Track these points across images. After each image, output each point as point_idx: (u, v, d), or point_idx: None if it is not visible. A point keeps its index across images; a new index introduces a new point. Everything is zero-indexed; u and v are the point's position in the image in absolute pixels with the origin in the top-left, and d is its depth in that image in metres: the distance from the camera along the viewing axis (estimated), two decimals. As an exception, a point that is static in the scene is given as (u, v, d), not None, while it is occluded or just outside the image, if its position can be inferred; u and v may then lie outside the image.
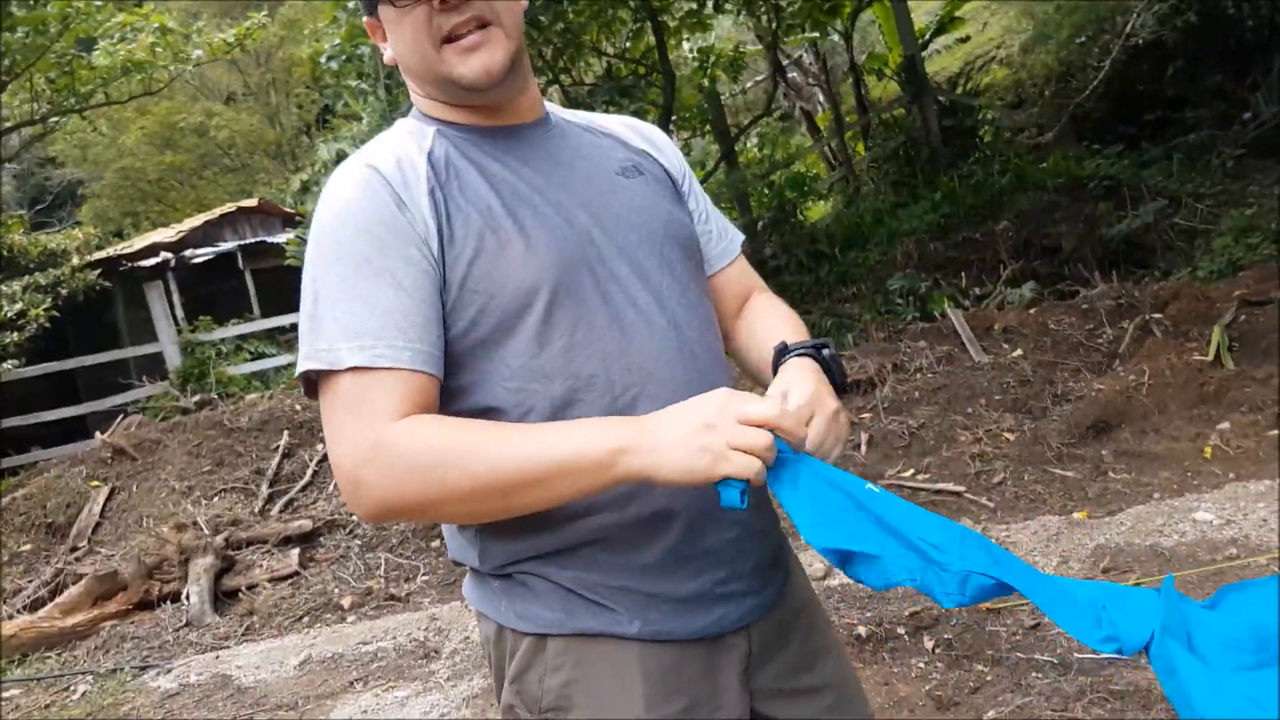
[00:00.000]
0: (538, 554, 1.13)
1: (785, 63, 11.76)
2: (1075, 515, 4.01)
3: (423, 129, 1.20)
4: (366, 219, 1.09)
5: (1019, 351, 5.68)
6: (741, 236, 1.46)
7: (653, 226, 1.24)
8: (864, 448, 5.11)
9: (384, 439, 1.03)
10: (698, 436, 0.98)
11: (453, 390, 1.14)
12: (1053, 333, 5.81)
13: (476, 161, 1.17)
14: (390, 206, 1.09)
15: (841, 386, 1.19)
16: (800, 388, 1.12)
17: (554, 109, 1.33)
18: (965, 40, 14.05)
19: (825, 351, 1.21)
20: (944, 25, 11.45)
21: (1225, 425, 4.46)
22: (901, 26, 9.71)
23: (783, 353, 1.23)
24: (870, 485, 1.06)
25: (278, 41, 20.35)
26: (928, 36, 11.49)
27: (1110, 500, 4.11)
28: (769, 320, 1.37)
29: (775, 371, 1.21)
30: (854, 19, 10.56)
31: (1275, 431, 4.29)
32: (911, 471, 4.76)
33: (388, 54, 1.22)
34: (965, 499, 4.39)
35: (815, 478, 1.03)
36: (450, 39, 1.12)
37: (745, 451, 0.97)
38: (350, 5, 7.15)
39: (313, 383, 1.11)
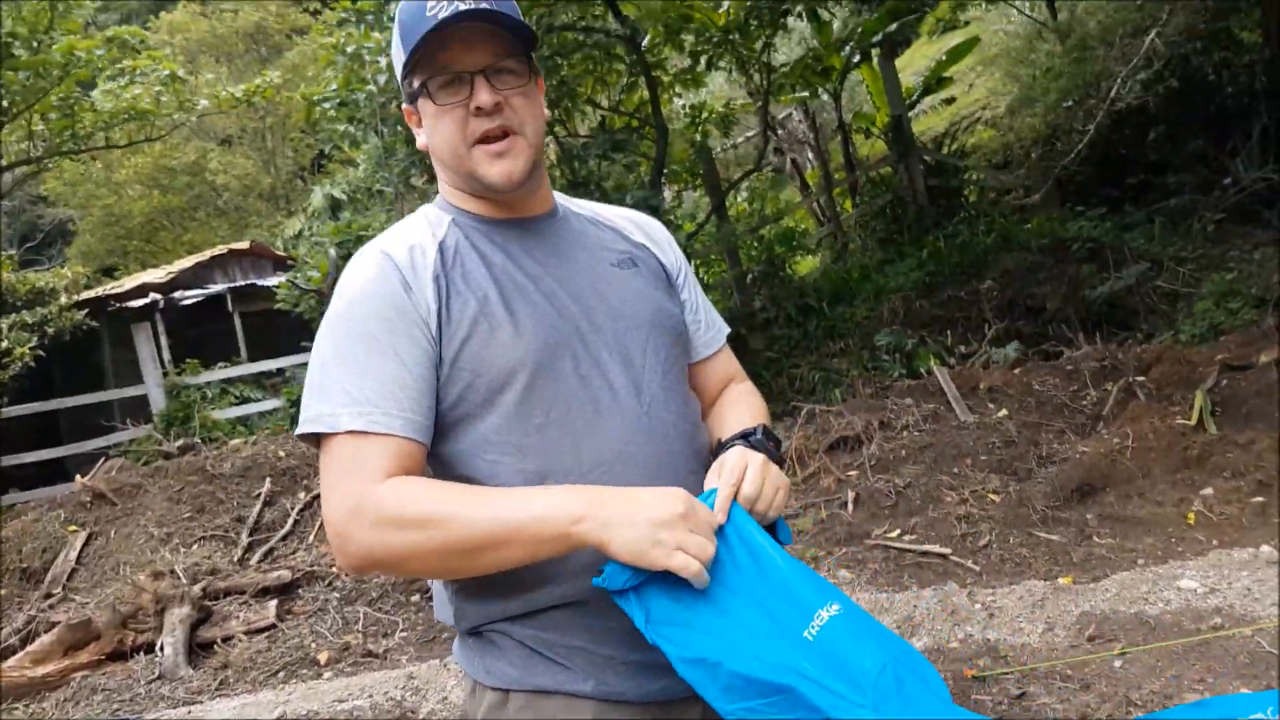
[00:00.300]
0: (505, 616, 1.24)
1: (775, 119, 11.94)
2: (1060, 580, 4.00)
3: (441, 217, 1.35)
4: (377, 301, 1.22)
5: (1004, 412, 5.71)
6: (727, 329, 1.57)
7: (641, 315, 1.35)
8: (850, 506, 5.10)
9: (369, 497, 1.14)
10: (654, 530, 1.08)
11: (440, 458, 1.27)
12: (1037, 393, 5.85)
13: (483, 251, 1.31)
14: (399, 291, 1.23)
15: (777, 460, 1.30)
16: (729, 459, 1.24)
17: (563, 200, 1.46)
18: (951, 101, 14.30)
19: (752, 438, 1.31)
20: (930, 86, 11.65)
21: (1209, 491, 4.47)
22: (889, 87, 9.89)
23: (717, 451, 1.34)
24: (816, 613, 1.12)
25: (279, 85, 20.53)
26: (915, 97, 11.70)
27: (1095, 565, 4.10)
28: (731, 412, 1.46)
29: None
30: (843, 79, 10.75)
31: (1258, 498, 4.31)
32: (898, 532, 4.75)
33: (421, 140, 1.36)
34: (951, 561, 4.37)
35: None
36: (481, 140, 1.27)
37: (687, 553, 1.08)
38: (349, 50, 7.22)
39: (316, 440, 1.22)
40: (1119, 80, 8.39)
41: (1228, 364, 5.52)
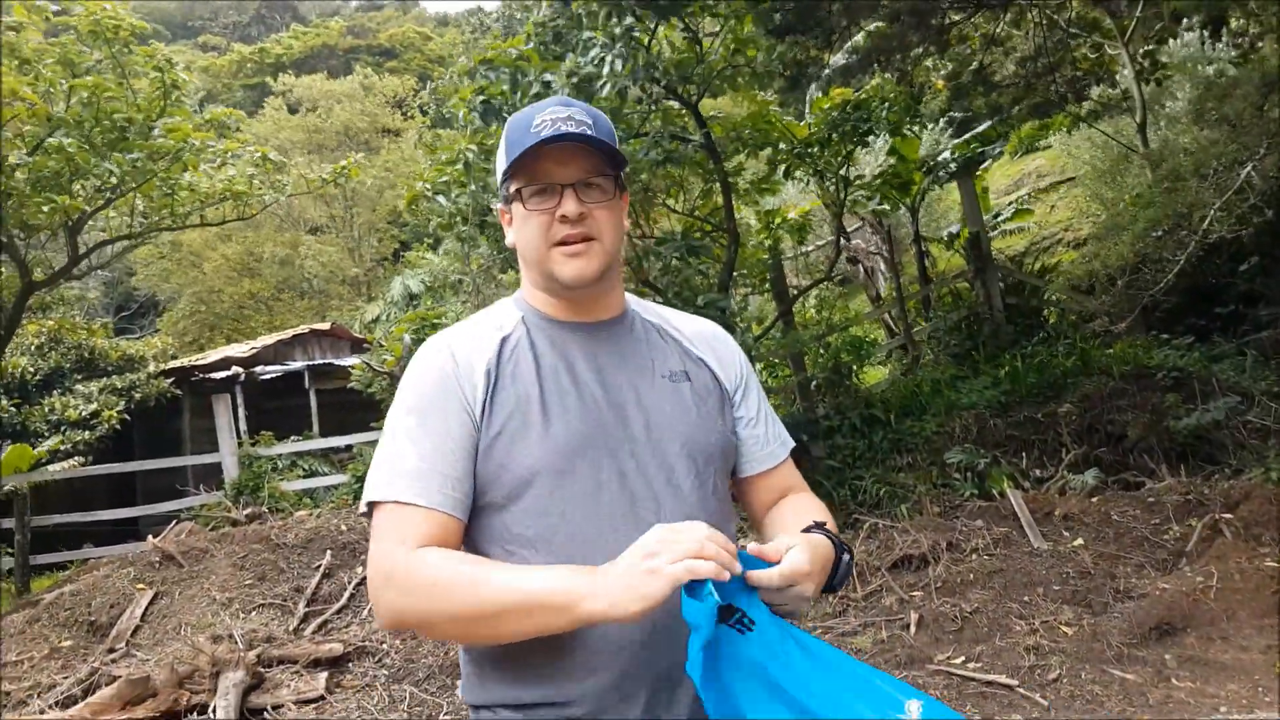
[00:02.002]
0: (501, 702, 1.34)
1: (849, 229, 12.02)
2: (1136, 722, 3.79)
3: (513, 314, 1.47)
4: (432, 385, 1.36)
5: (1080, 541, 5.51)
6: (791, 444, 1.61)
7: (677, 429, 1.41)
8: (913, 628, 4.93)
9: (400, 564, 1.25)
10: (643, 564, 1.12)
11: (468, 537, 1.38)
12: (1116, 524, 5.64)
13: (540, 351, 1.41)
14: (452, 378, 1.36)
15: (832, 588, 1.33)
16: (801, 554, 1.22)
17: (635, 305, 1.56)
18: (1030, 213, 14.26)
19: (846, 557, 1.35)
20: (1016, 212, 11.68)
21: (1300, 639, 4.22)
22: (969, 205, 9.93)
23: (816, 527, 1.37)
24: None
25: (367, 171, 21.59)
26: (997, 217, 11.71)
27: (1173, 709, 3.88)
28: (798, 508, 1.50)
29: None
30: (922, 195, 10.83)
31: (1355, 651, 4.05)
32: (962, 659, 4.57)
33: (510, 239, 1.48)
34: (1017, 693, 4.17)
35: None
36: (560, 243, 1.38)
37: (686, 557, 1.10)
38: (469, 154, 7.49)
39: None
40: (1212, 211, 8.25)
41: (1322, 506, 5.27)
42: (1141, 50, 10.67)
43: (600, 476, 1.33)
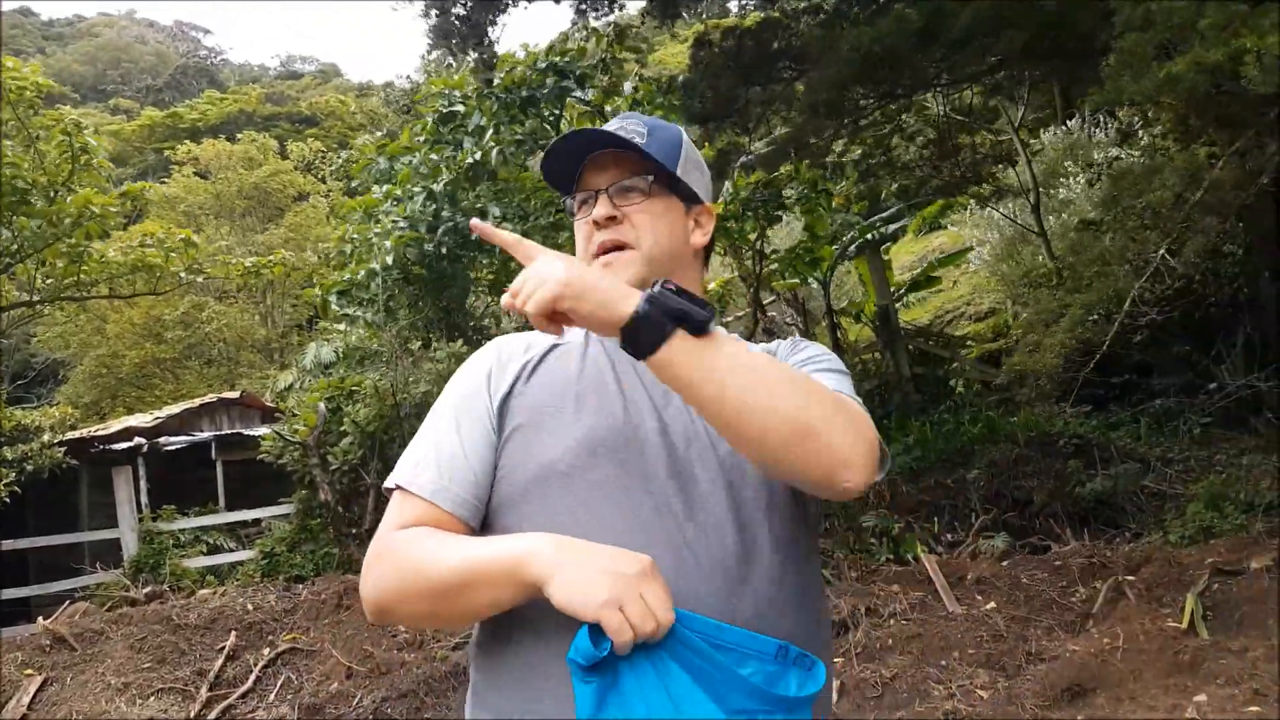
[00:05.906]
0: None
1: (766, 301, 12.31)
2: (1053, 785, 3.84)
3: None
4: (463, 384, 1.32)
5: (992, 604, 5.62)
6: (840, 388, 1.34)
7: (718, 445, 1.23)
8: (835, 695, 4.93)
9: (387, 541, 1.20)
10: (603, 577, 1.02)
11: None
12: (1025, 587, 5.78)
13: (590, 349, 1.34)
14: (480, 376, 1.31)
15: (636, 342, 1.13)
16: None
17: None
18: (939, 291, 14.81)
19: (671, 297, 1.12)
20: (919, 283, 12.12)
21: (1202, 698, 4.35)
22: (877, 280, 10.31)
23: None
24: None
25: (281, 242, 21.20)
26: (902, 291, 12.14)
27: (1088, 771, 3.95)
28: None
29: None
30: (833, 270, 11.19)
31: (1254, 708, 4.20)
32: (883, 724, 4.59)
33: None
34: (939, 759, 4.20)
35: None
36: (599, 252, 1.32)
37: (628, 620, 1.00)
38: (355, 238, 7.65)
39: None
40: (1132, 293, 8.62)
41: (1219, 568, 5.49)
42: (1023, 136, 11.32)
43: (625, 480, 1.19)
